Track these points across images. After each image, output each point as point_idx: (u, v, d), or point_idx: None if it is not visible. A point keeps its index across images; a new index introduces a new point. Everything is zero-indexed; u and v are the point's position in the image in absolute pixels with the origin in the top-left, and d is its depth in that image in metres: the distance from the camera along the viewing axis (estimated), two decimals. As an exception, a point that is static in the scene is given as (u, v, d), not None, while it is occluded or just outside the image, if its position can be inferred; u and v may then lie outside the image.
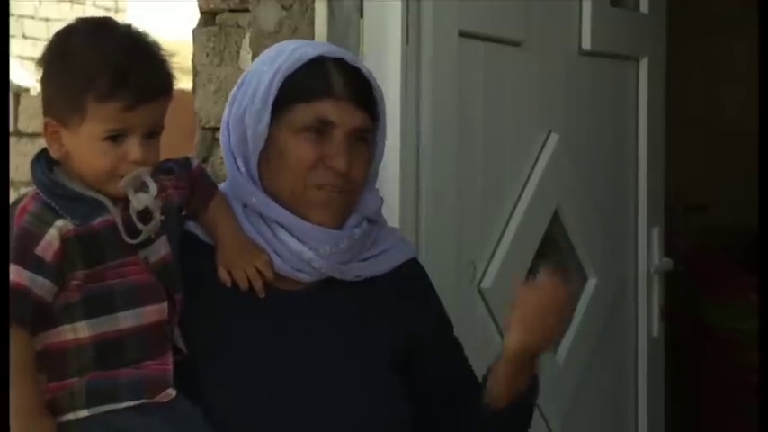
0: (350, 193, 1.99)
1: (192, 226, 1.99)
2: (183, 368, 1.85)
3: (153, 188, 1.80)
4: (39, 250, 1.75)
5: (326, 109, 1.95)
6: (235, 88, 2.03)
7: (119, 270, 1.80)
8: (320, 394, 1.91)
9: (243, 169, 1.99)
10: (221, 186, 2.04)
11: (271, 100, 1.95)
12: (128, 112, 1.77)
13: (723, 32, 5.00)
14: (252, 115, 1.96)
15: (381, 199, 2.09)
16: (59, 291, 1.77)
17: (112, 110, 1.77)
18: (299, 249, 1.96)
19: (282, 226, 1.97)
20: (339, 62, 1.98)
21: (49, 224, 1.76)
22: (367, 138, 2.00)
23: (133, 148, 1.79)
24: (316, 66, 1.97)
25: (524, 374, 1.98)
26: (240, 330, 1.94)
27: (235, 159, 2.00)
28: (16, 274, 1.73)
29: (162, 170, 1.90)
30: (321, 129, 1.95)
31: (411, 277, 2.08)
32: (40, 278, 1.74)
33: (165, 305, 1.84)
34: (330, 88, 1.96)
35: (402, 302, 2.03)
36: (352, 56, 2.04)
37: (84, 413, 1.78)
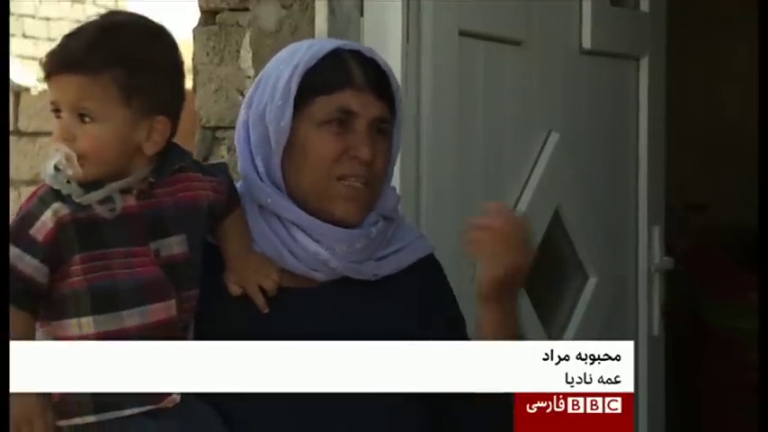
0: (373, 186, 1.98)
1: None
2: None
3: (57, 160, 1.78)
4: (33, 230, 1.76)
5: (348, 99, 1.95)
6: (251, 89, 2.02)
7: (126, 260, 1.80)
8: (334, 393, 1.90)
9: (262, 169, 1.98)
10: (238, 186, 2.02)
11: (292, 95, 1.94)
12: (48, 83, 1.79)
13: (724, 32, 5.00)
14: (273, 112, 1.95)
15: (398, 196, 2.08)
16: (61, 275, 1.77)
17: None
18: (315, 250, 1.95)
19: (298, 226, 1.97)
20: (356, 54, 1.99)
21: (48, 205, 1.77)
22: (386, 129, 2.00)
23: (56, 124, 1.79)
24: (334, 58, 1.97)
25: (507, 320, 1.96)
26: (253, 331, 1.92)
27: (253, 160, 1.99)
28: (10, 252, 1.75)
29: (204, 170, 1.91)
30: (343, 120, 1.95)
31: (427, 274, 2.07)
32: (27, 257, 1.75)
33: (172, 302, 1.83)
34: (350, 79, 1.96)
35: (417, 299, 2.03)
36: (368, 48, 2.04)
37: (91, 419, 1.78)
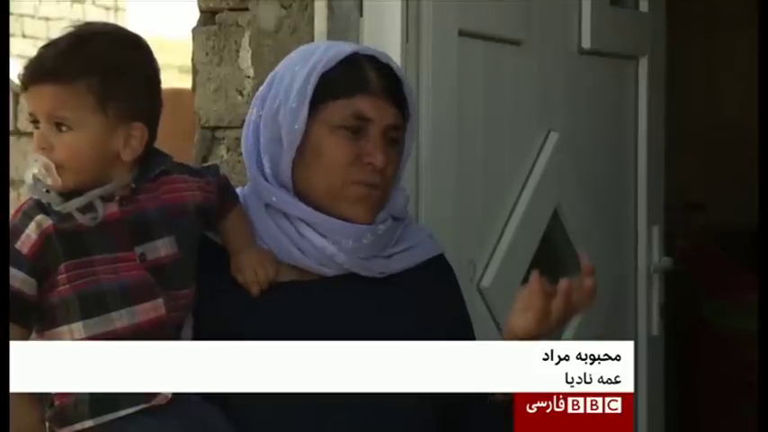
0: (383, 190, 2.00)
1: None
2: None
3: (35, 170, 1.79)
4: (18, 244, 1.78)
5: (364, 105, 1.96)
6: (263, 90, 2.03)
7: (111, 266, 1.80)
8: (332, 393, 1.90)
9: (268, 170, 1.99)
10: (242, 190, 2.04)
11: (308, 98, 1.95)
12: (25, 95, 1.80)
13: (723, 32, 5.00)
14: (287, 113, 1.96)
15: (407, 197, 2.09)
16: (49, 285, 1.78)
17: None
18: (322, 245, 1.97)
19: (305, 222, 1.98)
20: (372, 59, 2.00)
21: (32, 218, 1.78)
22: (397, 137, 2.01)
23: (35, 134, 1.80)
24: (351, 63, 1.98)
25: None
26: (257, 325, 1.93)
27: (259, 160, 2.00)
28: None
29: (191, 171, 1.92)
30: (357, 125, 1.96)
31: (435, 274, 2.08)
32: (14, 270, 1.76)
33: (160, 301, 1.83)
34: (367, 84, 1.97)
35: (424, 299, 2.04)
36: (384, 54, 2.05)
37: (89, 423, 1.79)
